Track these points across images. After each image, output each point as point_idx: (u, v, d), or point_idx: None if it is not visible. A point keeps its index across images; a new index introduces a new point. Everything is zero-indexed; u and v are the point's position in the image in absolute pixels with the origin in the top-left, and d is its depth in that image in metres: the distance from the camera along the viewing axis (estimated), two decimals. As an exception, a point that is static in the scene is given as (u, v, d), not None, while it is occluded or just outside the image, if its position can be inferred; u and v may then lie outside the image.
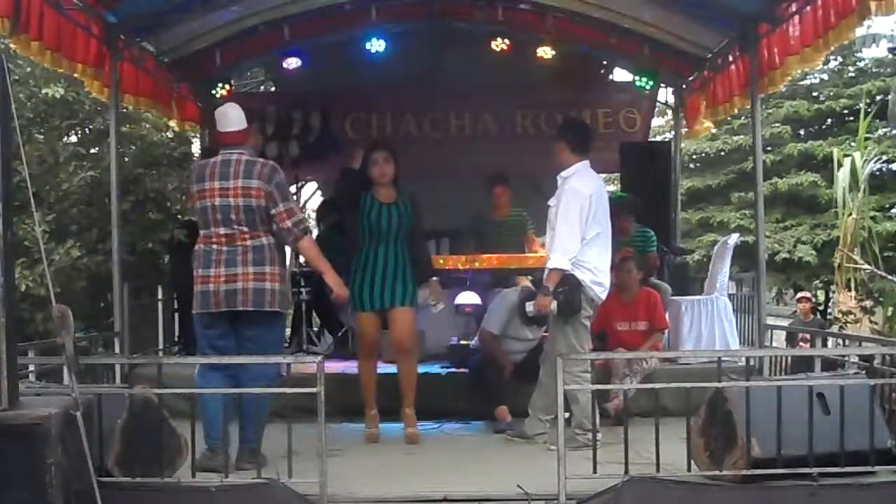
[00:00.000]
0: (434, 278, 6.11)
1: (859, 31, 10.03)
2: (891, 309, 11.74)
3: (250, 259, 4.89)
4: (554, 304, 5.32)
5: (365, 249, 5.82)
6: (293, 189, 14.89)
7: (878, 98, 16.93)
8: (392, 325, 5.81)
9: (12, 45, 5.90)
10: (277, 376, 5.03)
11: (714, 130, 10.74)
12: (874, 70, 18.80)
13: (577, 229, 5.34)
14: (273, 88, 12.31)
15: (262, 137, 5.20)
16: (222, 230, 4.93)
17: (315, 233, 10.35)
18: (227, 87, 9.57)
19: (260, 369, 4.78)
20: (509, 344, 6.48)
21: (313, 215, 20.51)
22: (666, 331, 6.98)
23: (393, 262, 5.78)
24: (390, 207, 5.79)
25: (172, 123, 9.33)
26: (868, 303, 13.18)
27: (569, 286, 5.33)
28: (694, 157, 18.83)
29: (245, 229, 4.92)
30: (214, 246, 4.95)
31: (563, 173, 5.54)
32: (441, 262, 7.80)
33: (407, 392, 5.85)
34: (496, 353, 6.44)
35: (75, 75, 6.75)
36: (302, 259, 10.70)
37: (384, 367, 6.11)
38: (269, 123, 10.15)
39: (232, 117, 5.05)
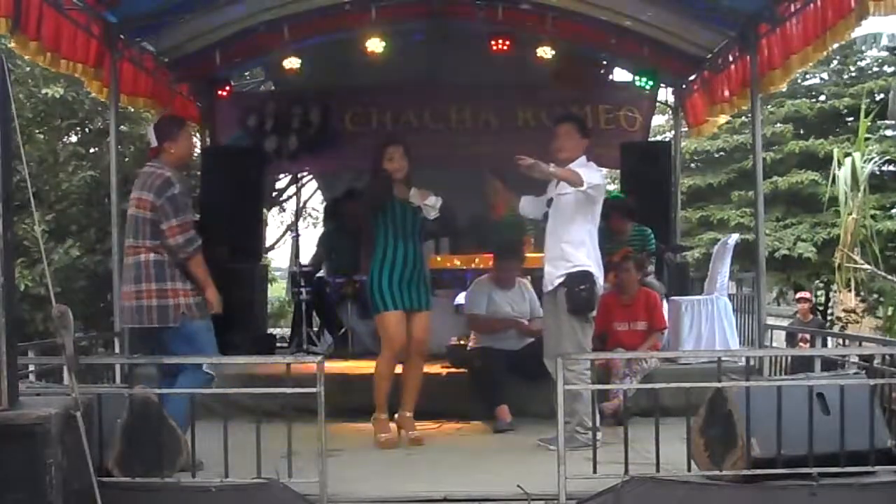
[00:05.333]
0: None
1: (860, 31, 10.00)
2: (891, 308, 11.72)
3: (132, 276, 4.88)
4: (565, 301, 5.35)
5: (383, 248, 5.72)
6: (293, 189, 14.97)
7: (880, 98, 16.92)
8: (414, 328, 5.73)
9: (13, 45, 5.89)
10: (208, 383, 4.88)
11: (715, 129, 10.70)
12: (875, 69, 18.80)
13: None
14: (273, 88, 12.31)
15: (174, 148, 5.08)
16: (125, 243, 5.02)
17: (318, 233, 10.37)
18: (227, 86, 9.58)
19: (190, 375, 4.72)
20: (500, 315, 6.71)
21: (313, 214, 20.34)
22: (665, 331, 6.98)
23: (412, 261, 5.72)
24: (405, 205, 5.72)
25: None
26: (871, 299, 13.17)
27: (589, 283, 5.34)
28: (695, 156, 18.82)
29: (129, 241, 4.94)
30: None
31: (573, 165, 5.48)
32: (440, 261, 7.83)
33: (412, 394, 5.82)
34: (493, 327, 6.67)
35: (75, 75, 6.75)
36: (302, 259, 10.76)
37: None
38: (268, 118, 10.12)
39: (150, 138, 5.15)
